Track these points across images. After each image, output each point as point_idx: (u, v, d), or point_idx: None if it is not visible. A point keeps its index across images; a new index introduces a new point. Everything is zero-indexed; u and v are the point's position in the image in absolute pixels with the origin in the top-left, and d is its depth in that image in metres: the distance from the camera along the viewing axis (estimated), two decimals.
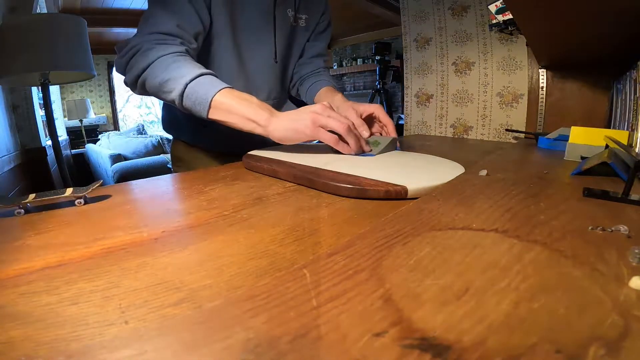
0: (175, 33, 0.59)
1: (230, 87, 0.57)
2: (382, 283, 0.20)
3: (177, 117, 0.83)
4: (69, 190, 0.42)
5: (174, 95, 0.56)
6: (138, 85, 0.59)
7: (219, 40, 0.71)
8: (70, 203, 0.41)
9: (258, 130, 0.56)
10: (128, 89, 0.64)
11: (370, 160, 0.56)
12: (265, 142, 0.64)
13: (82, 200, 0.41)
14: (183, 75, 0.55)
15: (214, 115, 0.56)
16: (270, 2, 0.75)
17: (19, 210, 0.38)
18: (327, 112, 0.54)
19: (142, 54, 0.56)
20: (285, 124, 0.54)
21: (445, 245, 0.24)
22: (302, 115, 0.54)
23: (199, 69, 0.56)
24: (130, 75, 0.58)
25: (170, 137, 0.94)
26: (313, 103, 0.82)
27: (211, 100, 0.54)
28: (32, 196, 0.40)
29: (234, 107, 0.55)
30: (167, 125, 0.88)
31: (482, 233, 0.26)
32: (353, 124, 0.57)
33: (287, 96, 0.92)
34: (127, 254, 0.27)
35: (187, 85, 0.55)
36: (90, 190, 0.42)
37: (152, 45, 0.57)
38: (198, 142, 0.82)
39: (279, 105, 0.86)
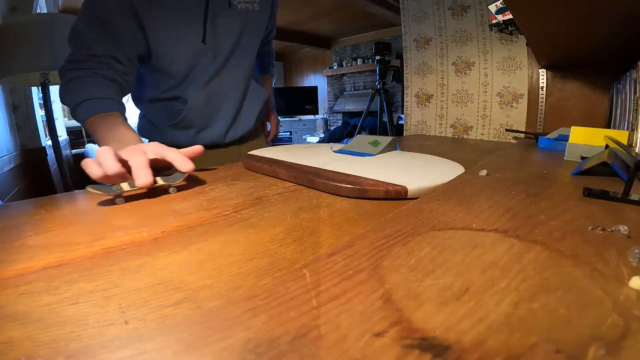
0: (85, 59, 0.62)
1: (100, 113, 0.58)
2: (382, 283, 0.20)
3: (143, 120, 0.82)
4: (160, 180, 0.45)
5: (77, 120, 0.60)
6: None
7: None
8: (164, 192, 0.46)
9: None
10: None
11: (370, 160, 0.56)
12: (241, 130, 0.80)
13: (175, 189, 0.46)
14: (72, 100, 0.60)
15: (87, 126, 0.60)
16: None
17: (120, 199, 0.40)
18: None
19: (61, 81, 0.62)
20: (98, 159, 0.46)
21: (445, 245, 0.24)
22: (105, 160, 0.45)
23: (84, 93, 0.59)
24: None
25: None
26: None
27: (84, 123, 0.59)
28: (125, 185, 0.42)
29: (96, 131, 0.58)
30: (140, 132, 0.83)
31: (482, 233, 0.26)
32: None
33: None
34: (127, 254, 0.27)
35: (74, 108, 0.60)
36: (182, 179, 0.47)
37: (64, 71, 0.62)
38: (175, 142, 0.74)
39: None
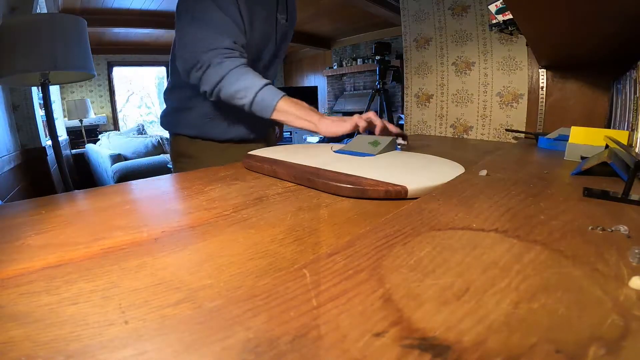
0: (233, 47, 0.72)
1: (285, 95, 0.73)
2: (382, 283, 0.20)
3: (181, 112, 0.86)
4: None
5: (246, 101, 0.71)
6: (214, 94, 0.73)
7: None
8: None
9: (309, 126, 0.72)
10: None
11: (370, 160, 0.56)
12: (262, 130, 0.88)
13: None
14: (252, 85, 0.71)
15: (275, 116, 0.72)
16: (272, 7, 0.83)
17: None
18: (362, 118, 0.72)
19: (214, 67, 0.70)
20: (331, 123, 0.72)
21: (445, 245, 0.24)
22: (343, 119, 0.73)
23: (262, 79, 0.72)
24: (206, 85, 0.72)
25: (169, 137, 0.96)
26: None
27: (275, 105, 0.71)
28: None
29: (290, 110, 0.72)
30: (169, 122, 0.90)
31: (482, 233, 0.26)
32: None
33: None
34: (127, 254, 0.27)
35: (256, 93, 0.71)
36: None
37: (222, 59, 0.70)
38: (204, 133, 0.86)
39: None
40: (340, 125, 0.71)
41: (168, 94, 0.90)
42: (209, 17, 0.71)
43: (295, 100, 0.73)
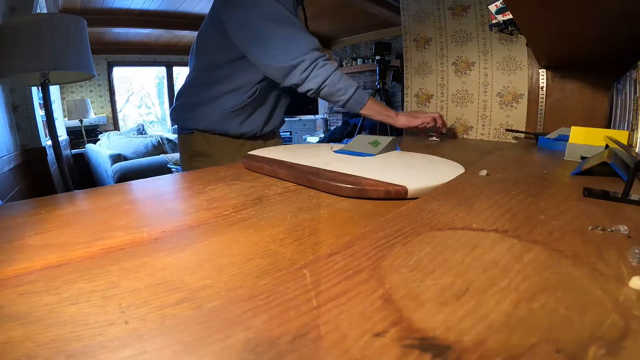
0: (320, 48, 0.83)
1: (371, 95, 0.89)
2: (382, 283, 0.20)
3: (202, 107, 0.89)
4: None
5: (345, 97, 0.84)
6: (317, 91, 0.83)
7: None
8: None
9: (388, 120, 0.90)
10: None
11: (370, 160, 0.56)
12: (273, 124, 0.98)
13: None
14: (351, 86, 0.85)
15: (363, 110, 0.87)
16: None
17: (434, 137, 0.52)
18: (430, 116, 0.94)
19: (320, 68, 0.81)
20: (405, 117, 0.92)
21: (445, 245, 0.24)
22: (415, 115, 0.94)
23: (354, 82, 0.86)
24: (311, 84, 0.82)
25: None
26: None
27: (365, 104, 0.86)
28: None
29: (375, 107, 0.89)
30: (187, 119, 0.91)
31: (482, 233, 0.26)
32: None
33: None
34: (127, 254, 0.27)
35: (354, 92, 0.85)
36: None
37: (324, 61, 0.82)
38: (222, 128, 0.90)
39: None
40: (412, 120, 0.92)
41: (189, 90, 0.93)
42: (289, 19, 0.80)
43: (377, 101, 0.92)
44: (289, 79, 0.81)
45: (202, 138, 0.91)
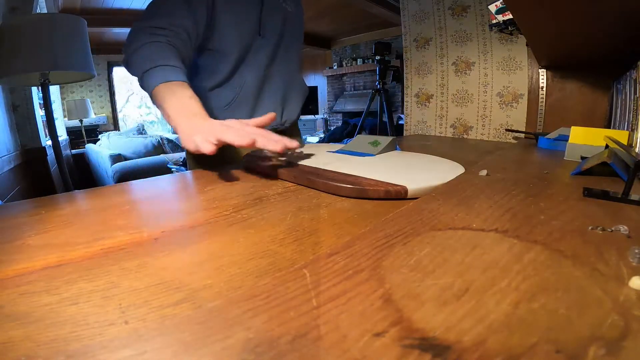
0: (166, 27, 0.64)
1: (179, 81, 0.59)
2: (382, 283, 0.20)
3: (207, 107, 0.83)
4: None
5: (137, 74, 0.61)
6: (125, 60, 0.64)
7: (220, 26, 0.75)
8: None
9: (167, 119, 0.57)
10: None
11: (370, 160, 0.56)
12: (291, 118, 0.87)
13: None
14: (148, 61, 0.59)
15: (153, 101, 0.60)
16: None
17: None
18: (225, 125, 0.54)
19: (138, 34, 0.63)
20: (187, 132, 0.52)
21: (445, 245, 0.24)
22: (203, 131, 0.51)
23: (165, 59, 0.60)
24: (125, 49, 0.63)
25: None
26: None
27: (150, 90, 0.59)
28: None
29: (166, 99, 0.57)
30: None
31: (482, 233, 0.26)
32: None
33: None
34: (127, 254, 0.27)
35: (145, 72, 0.59)
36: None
37: (149, 31, 0.62)
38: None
39: (285, 82, 0.90)
40: (190, 136, 0.50)
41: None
42: None
43: (178, 93, 0.57)
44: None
45: None
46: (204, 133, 0.49)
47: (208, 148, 0.47)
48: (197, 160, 0.86)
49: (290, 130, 0.97)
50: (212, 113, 0.81)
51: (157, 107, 0.59)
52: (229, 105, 0.82)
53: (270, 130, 0.76)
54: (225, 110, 0.83)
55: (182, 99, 0.57)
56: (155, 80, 0.58)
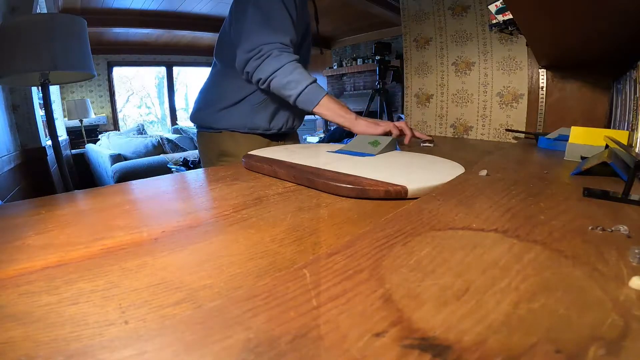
0: (289, 44, 0.80)
1: (329, 93, 0.82)
2: (382, 283, 0.20)
3: (231, 105, 0.89)
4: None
5: (294, 92, 0.78)
6: (267, 82, 0.79)
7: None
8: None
9: (346, 123, 0.81)
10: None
11: (370, 160, 0.56)
12: (299, 121, 0.99)
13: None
14: (302, 80, 0.78)
15: (317, 109, 0.80)
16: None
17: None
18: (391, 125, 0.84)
19: (273, 58, 0.77)
20: (365, 123, 0.81)
21: (445, 245, 0.24)
22: (377, 122, 0.83)
23: (311, 76, 0.80)
24: (262, 73, 0.78)
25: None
26: None
27: (319, 101, 0.79)
28: None
29: (331, 107, 0.81)
30: (216, 119, 0.91)
31: (482, 233, 0.26)
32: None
33: None
34: (127, 254, 0.27)
35: (305, 87, 0.78)
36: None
37: (280, 52, 0.77)
38: (251, 123, 0.91)
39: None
40: (373, 128, 0.80)
41: (214, 90, 0.93)
42: (274, 13, 0.79)
43: (336, 99, 0.82)
44: (246, 67, 0.79)
45: (230, 137, 0.90)
46: (380, 124, 0.81)
47: (396, 131, 0.81)
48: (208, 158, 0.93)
49: (292, 133, 1.04)
50: (246, 111, 0.91)
51: (325, 109, 0.79)
52: (259, 104, 0.90)
53: (281, 134, 0.97)
54: (255, 106, 0.90)
55: (344, 105, 0.83)
56: (321, 92, 0.79)
